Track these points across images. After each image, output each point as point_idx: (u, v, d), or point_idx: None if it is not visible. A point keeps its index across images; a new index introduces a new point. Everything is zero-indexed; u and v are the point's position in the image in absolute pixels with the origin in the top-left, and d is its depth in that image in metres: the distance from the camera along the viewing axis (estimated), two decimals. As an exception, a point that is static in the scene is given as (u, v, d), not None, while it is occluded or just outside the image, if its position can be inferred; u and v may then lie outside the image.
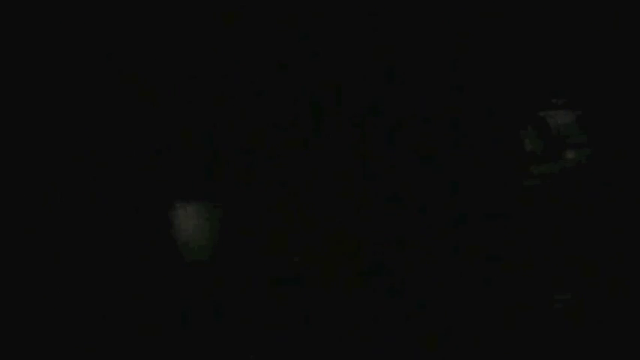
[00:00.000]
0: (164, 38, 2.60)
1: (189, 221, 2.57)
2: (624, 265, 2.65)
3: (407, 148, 2.71)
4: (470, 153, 2.68)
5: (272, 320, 2.61)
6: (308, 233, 2.68)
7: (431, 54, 2.70)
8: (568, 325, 2.60)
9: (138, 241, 2.55)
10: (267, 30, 2.65)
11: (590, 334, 2.59)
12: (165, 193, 2.63)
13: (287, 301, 2.62)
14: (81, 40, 2.49)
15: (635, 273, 2.65)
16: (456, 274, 2.70)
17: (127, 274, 2.51)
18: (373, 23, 2.68)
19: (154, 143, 2.62)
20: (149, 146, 2.62)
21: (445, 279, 2.67)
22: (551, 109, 2.70)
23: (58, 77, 2.51)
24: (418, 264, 2.69)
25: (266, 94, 2.68)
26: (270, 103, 2.70)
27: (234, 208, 2.64)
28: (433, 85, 2.70)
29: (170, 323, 2.53)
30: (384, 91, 2.73)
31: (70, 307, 2.44)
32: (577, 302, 2.62)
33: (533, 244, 2.67)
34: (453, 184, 2.68)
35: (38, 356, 2.34)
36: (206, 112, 2.68)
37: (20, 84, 2.45)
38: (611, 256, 2.66)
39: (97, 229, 2.53)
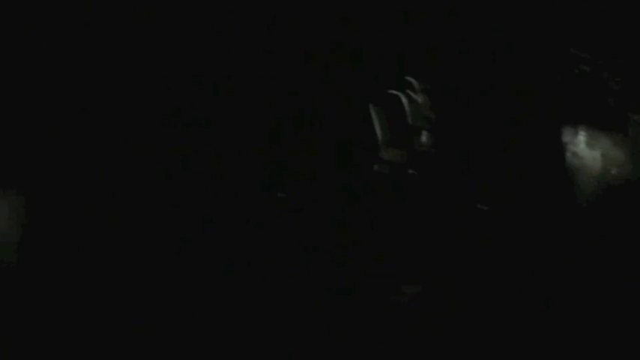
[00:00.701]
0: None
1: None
2: (477, 258, 2.49)
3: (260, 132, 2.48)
4: (313, 135, 2.45)
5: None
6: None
7: (273, 31, 2.45)
8: (414, 319, 2.43)
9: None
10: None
11: (437, 328, 2.43)
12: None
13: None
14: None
15: (488, 265, 2.49)
16: (308, 265, 2.50)
17: None
18: None
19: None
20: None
21: (292, 271, 2.46)
22: (405, 89, 2.48)
23: None
24: (267, 256, 2.48)
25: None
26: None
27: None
28: (275, 66, 2.46)
29: None
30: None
31: None
32: (425, 295, 2.45)
33: (383, 234, 2.48)
34: (296, 170, 2.46)
35: None
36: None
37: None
38: (464, 247, 2.48)
39: None
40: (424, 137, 2.47)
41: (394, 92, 2.47)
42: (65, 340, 2.29)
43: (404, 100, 2.46)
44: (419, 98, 2.48)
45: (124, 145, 2.42)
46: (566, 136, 2.62)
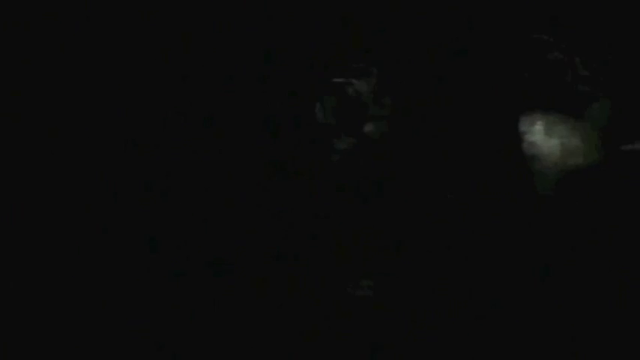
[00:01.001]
0: None
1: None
2: (434, 249, 2.39)
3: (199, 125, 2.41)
4: (254, 124, 2.37)
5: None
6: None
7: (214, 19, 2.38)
8: (371, 312, 2.33)
9: None
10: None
11: (393, 322, 2.34)
12: None
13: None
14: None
15: (446, 256, 2.39)
16: (259, 259, 2.43)
17: None
18: None
19: None
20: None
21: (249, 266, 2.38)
22: (351, 76, 2.39)
23: None
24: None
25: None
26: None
27: None
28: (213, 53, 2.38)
29: None
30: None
31: None
32: (380, 290, 2.35)
33: (329, 229, 2.39)
34: (244, 164, 2.38)
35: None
36: None
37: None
38: (416, 239, 2.39)
39: None
40: (373, 126, 2.38)
41: (340, 80, 2.39)
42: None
43: (351, 87, 2.38)
44: (368, 85, 2.39)
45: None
46: (524, 124, 2.52)
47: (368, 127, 2.36)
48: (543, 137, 2.51)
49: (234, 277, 2.39)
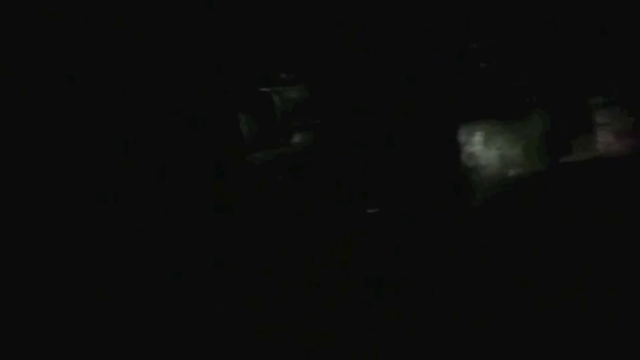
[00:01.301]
0: None
1: None
2: (362, 262, 2.27)
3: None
4: (180, 137, 2.29)
5: None
6: None
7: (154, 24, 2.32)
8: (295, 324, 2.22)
9: None
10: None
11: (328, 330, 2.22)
12: None
13: None
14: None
15: (370, 270, 2.27)
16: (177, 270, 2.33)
17: None
18: None
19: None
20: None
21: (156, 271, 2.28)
22: (278, 85, 2.31)
23: None
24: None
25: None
26: None
27: None
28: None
29: None
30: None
31: None
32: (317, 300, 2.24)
33: (251, 240, 2.28)
34: (167, 173, 2.29)
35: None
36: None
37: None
38: (349, 252, 2.27)
39: None
40: (297, 137, 2.29)
41: (265, 89, 2.31)
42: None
43: (275, 97, 2.30)
44: (292, 94, 2.31)
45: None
46: (462, 135, 2.42)
47: (295, 138, 2.27)
48: (482, 148, 2.40)
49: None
